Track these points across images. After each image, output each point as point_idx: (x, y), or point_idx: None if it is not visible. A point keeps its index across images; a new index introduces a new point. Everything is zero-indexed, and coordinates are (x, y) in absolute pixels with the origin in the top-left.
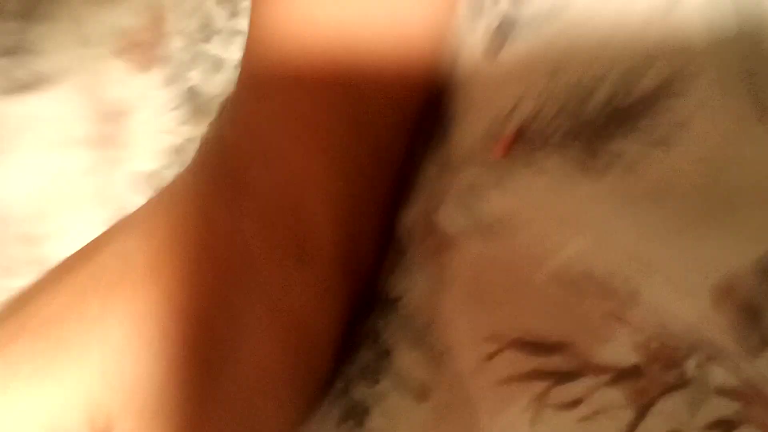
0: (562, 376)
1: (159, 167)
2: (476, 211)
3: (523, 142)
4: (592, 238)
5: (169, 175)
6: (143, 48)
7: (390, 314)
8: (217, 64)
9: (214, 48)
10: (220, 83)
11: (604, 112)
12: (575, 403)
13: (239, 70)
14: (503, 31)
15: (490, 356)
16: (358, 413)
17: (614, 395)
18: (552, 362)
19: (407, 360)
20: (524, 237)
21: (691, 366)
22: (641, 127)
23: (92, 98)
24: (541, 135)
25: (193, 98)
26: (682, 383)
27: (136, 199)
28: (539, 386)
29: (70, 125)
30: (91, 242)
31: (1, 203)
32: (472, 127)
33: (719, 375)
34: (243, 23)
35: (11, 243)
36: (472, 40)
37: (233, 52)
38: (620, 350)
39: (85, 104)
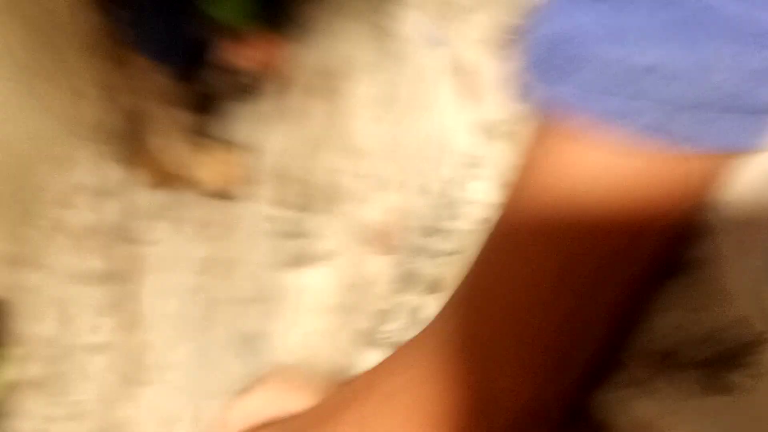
0: None
1: (375, 325)
2: (629, 411)
3: (670, 360)
4: None
5: (383, 333)
6: (385, 239)
7: None
8: (434, 254)
9: (434, 243)
10: (432, 267)
11: (725, 350)
12: None
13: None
14: None
15: None
16: None
17: None
18: None
19: None
20: None
21: None
22: (747, 364)
23: (345, 274)
24: (685, 358)
25: (409, 277)
26: None
27: (363, 355)
28: None
29: (325, 295)
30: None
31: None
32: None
33: None
34: (457, 223)
35: None
36: None
37: (447, 245)
38: None
39: (339, 279)
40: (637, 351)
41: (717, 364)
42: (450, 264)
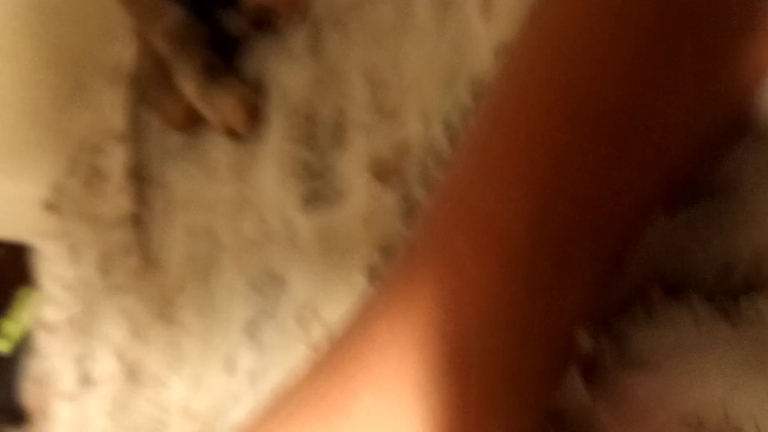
0: None
1: (382, 260)
2: (627, 341)
3: (676, 290)
4: (730, 384)
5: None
6: (393, 172)
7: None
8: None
9: (436, 171)
10: None
11: (743, 284)
12: None
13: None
14: None
15: None
16: None
17: None
18: None
19: None
20: (661, 374)
21: None
22: None
23: (357, 211)
24: (694, 290)
25: (413, 210)
26: None
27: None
28: None
29: (338, 233)
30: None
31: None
32: None
33: None
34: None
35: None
36: None
37: None
38: None
39: (351, 216)
40: (634, 279)
41: (733, 293)
42: None
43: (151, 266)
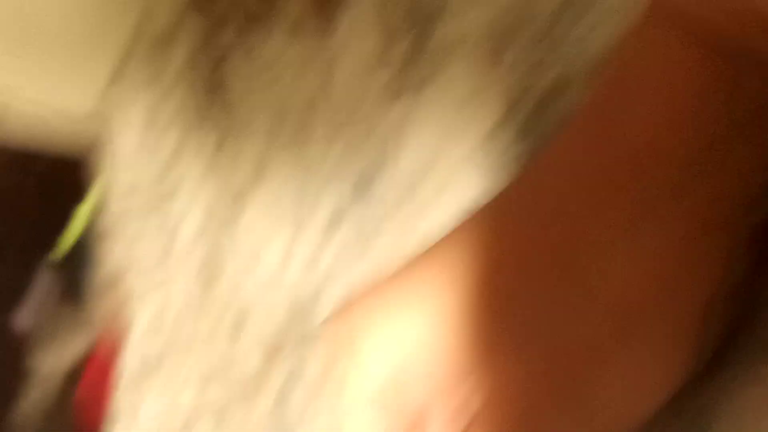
0: None
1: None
2: None
3: None
4: None
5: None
6: (491, 51)
7: None
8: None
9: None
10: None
11: None
12: None
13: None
14: None
15: None
16: None
17: None
18: None
19: None
20: None
21: None
22: None
23: (457, 95)
24: None
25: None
26: None
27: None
28: None
29: (437, 118)
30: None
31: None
32: None
33: None
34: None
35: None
36: None
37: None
38: None
39: (450, 101)
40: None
41: None
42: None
43: (235, 136)
